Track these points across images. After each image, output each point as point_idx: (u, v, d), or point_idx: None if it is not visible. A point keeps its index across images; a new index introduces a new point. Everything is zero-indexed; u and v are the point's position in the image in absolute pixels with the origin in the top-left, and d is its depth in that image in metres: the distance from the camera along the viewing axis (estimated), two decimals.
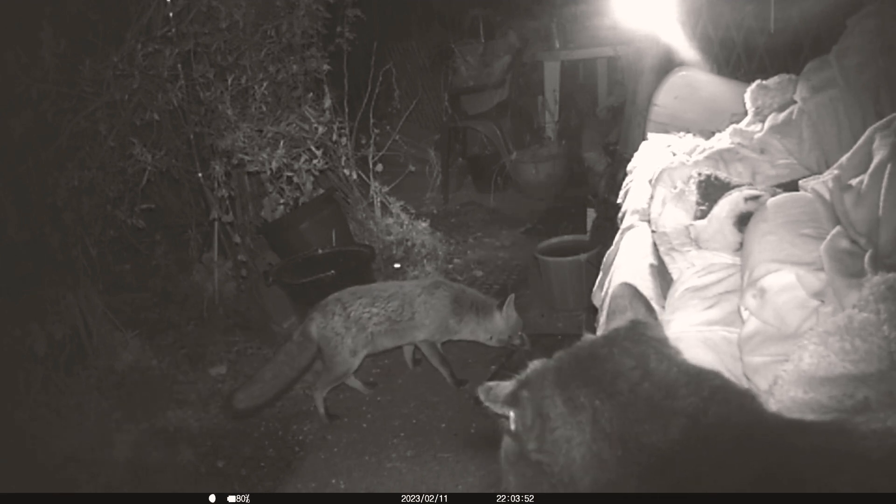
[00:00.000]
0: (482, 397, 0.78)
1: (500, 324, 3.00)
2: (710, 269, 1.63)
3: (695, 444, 0.66)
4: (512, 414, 0.75)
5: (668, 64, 3.19)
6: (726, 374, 0.73)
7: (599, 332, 0.83)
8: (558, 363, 0.76)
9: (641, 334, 0.76)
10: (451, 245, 4.53)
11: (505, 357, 3.18)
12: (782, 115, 2.15)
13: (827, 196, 1.45)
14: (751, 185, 1.87)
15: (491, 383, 0.78)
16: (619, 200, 2.66)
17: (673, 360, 0.73)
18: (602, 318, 1.74)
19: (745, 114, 2.41)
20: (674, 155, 2.41)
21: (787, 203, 1.54)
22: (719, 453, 0.65)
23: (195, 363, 3.37)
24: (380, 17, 5.74)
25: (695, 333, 1.41)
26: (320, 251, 3.74)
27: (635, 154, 2.82)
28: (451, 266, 4.26)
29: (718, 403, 0.68)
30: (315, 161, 3.74)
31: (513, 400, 0.75)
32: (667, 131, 2.86)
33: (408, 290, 3.00)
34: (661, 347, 0.75)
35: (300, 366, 2.91)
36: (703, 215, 1.81)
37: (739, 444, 0.65)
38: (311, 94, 3.90)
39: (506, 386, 0.77)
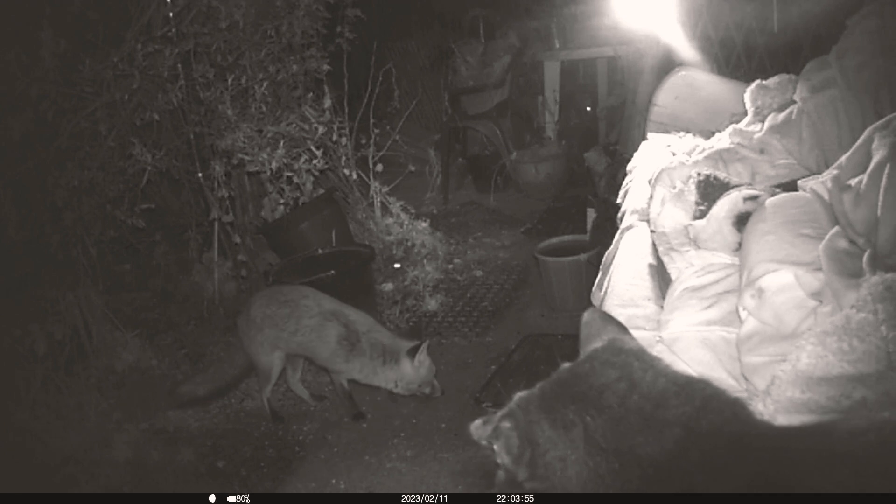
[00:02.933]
0: (473, 435, 0.78)
1: (408, 372, 2.69)
2: (709, 268, 1.63)
3: (690, 454, 0.66)
4: (496, 447, 0.75)
5: (668, 64, 3.20)
6: (716, 381, 0.73)
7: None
8: (541, 390, 0.76)
9: (620, 348, 0.76)
10: (451, 245, 4.52)
11: (505, 357, 3.18)
12: (782, 115, 2.16)
13: (826, 196, 1.45)
14: (750, 185, 1.88)
15: (477, 421, 0.78)
16: (618, 200, 2.66)
17: (658, 369, 0.73)
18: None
19: (745, 114, 2.41)
20: (673, 155, 2.41)
21: (786, 203, 1.54)
22: (714, 461, 0.66)
23: (195, 363, 3.38)
24: (380, 17, 5.74)
25: (693, 333, 1.41)
26: (320, 251, 3.74)
27: (635, 154, 2.83)
28: (451, 266, 4.26)
29: (711, 412, 0.68)
30: (315, 161, 3.74)
31: (494, 433, 0.75)
32: (667, 131, 2.86)
33: (303, 305, 2.81)
34: (642, 356, 0.75)
35: (237, 363, 3.04)
36: (702, 215, 1.82)
37: (733, 452, 0.66)
38: (311, 94, 3.90)
39: (487, 420, 0.77)
